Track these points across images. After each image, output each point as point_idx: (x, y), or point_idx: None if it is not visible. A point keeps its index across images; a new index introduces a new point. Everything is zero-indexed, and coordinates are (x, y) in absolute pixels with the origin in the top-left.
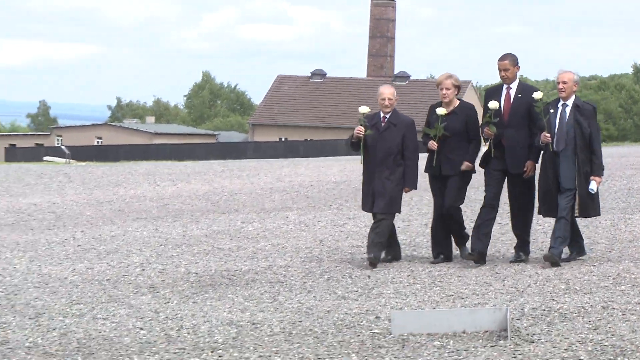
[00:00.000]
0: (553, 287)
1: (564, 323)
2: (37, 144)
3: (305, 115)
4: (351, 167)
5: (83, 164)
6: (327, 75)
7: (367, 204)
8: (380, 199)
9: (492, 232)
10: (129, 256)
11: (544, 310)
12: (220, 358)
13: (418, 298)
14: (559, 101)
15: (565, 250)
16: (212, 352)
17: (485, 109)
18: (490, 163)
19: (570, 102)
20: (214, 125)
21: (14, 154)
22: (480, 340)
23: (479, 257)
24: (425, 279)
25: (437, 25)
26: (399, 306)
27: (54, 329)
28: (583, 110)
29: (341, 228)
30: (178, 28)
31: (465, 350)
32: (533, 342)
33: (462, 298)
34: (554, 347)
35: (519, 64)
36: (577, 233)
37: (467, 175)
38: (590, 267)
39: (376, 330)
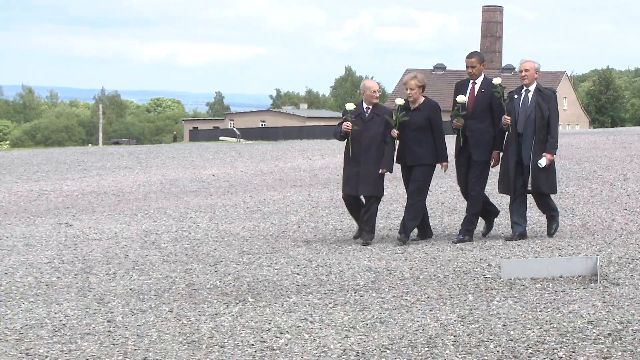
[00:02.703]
0: (635, 240)
1: None
2: (214, 127)
3: None
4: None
5: (250, 142)
6: (446, 69)
7: (350, 187)
8: (366, 183)
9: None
10: (287, 216)
11: (628, 258)
12: (361, 297)
13: (523, 249)
14: (523, 88)
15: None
16: (354, 292)
17: (455, 102)
18: (459, 153)
19: (532, 87)
20: None
21: (196, 135)
22: (575, 283)
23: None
24: (529, 234)
25: (537, 25)
26: (507, 255)
27: (229, 274)
28: (544, 94)
29: (459, 192)
30: (325, 31)
31: (562, 291)
32: (619, 285)
33: (559, 249)
34: (636, 289)
35: (484, 62)
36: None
37: (430, 168)
38: None
39: (488, 276)
